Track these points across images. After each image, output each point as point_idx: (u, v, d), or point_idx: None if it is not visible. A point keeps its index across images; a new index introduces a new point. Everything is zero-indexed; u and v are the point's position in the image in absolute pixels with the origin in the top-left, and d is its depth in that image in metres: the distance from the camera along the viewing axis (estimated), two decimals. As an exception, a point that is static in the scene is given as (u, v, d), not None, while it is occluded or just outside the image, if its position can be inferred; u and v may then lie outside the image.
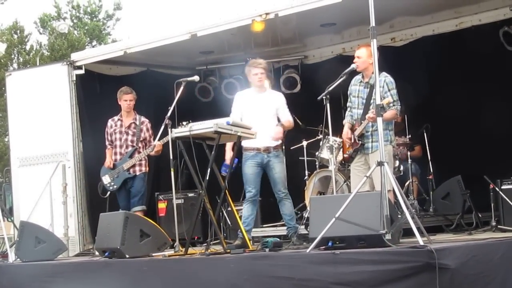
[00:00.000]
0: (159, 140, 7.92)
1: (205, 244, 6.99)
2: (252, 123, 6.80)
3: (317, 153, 8.39)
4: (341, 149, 7.56)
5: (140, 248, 6.87)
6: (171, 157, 7.34)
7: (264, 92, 7.47)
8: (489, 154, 8.52)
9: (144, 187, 8.33)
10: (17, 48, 28.26)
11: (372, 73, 6.26)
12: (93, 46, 28.90)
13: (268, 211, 9.50)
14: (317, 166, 8.48)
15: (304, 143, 8.99)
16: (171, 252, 6.88)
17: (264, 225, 9.01)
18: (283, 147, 7.56)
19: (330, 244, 5.35)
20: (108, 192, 8.16)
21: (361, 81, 6.92)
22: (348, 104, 7.09)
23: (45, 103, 9.54)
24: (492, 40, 8.46)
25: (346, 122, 7.03)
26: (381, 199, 5.19)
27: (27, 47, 28.78)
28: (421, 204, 8.45)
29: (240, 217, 7.20)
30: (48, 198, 8.97)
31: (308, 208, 7.73)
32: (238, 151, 7.03)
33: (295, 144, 9.21)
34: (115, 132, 8.28)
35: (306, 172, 8.89)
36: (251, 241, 6.80)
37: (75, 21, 31.28)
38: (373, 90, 6.37)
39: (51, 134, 9.47)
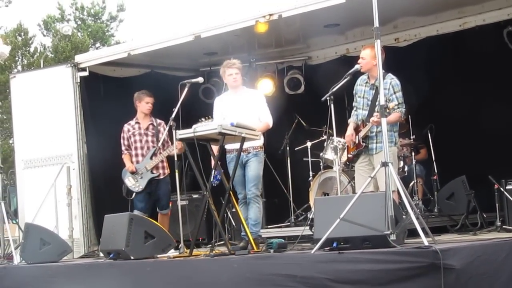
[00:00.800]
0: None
1: (210, 245, 6.97)
2: None
3: (321, 154, 8.40)
4: (346, 150, 7.54)
5: (144, 249, 6.86)
6: (175, 159, 7.35)
7: (241, 91, 7.31)
8: (493, 154, 8.50)
9: (170, 190, 8.31)
10: (21, 50, 28.33)
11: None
12: (96, 48, 28.98)
13: (273, 212, 9.52)
14: (321, 167, 8.50)
15: (309, 144, 9.01)
16: (176, 253, 6.88)
17: (268, 226, 9.01)
18: (263, 148, 7.33)
19: (334, 245, 5.35)
20: (134, 194, 8.08)
21: (366, 82, 6.88)
22: (354, 104, 7.04)
23: (49, 105, 9.54)
24: (496, 40, 8.44)
25: (351, 122, 6.99)
26: (385, 199, 5.18)
27: (31, 49, 28.88)
28: (426, 205, 8.45)
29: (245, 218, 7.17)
30: (53, 200, 8.97)
31: (312, 209, 7.71)
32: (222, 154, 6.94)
33: (300, 145, 9.22)
34: (134, 135, 8.16)
35: (311, 173, 8.90)
36: (257, 241, 6.75)
37: (78, 22, 31.37)
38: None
39: (55, 136, 9.46)
